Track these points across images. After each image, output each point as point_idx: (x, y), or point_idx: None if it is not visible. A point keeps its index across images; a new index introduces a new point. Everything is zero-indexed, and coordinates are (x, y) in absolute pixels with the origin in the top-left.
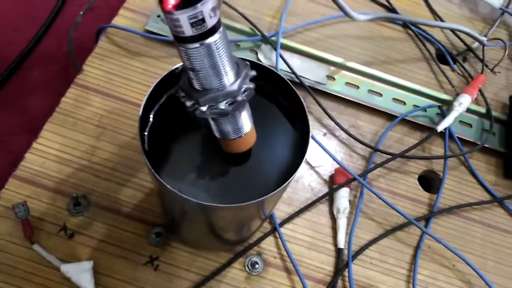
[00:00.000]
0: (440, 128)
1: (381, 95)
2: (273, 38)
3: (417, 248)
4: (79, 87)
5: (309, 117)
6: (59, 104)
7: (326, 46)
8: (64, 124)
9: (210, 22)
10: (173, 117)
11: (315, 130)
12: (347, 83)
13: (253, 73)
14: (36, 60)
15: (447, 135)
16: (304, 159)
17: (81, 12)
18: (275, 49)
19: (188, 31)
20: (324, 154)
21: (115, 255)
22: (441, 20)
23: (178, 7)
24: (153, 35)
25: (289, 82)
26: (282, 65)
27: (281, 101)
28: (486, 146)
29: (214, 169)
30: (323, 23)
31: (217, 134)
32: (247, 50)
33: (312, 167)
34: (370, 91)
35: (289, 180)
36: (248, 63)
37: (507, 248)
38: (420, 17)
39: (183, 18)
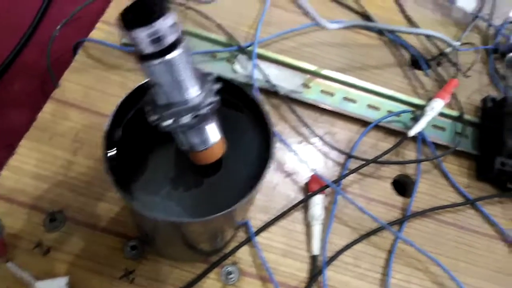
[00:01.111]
0: (411, 133)
1: (355, 101)
2: (249, 48)
3: (390, 252)
4: (56, 101)
5: (285, 125)
6: (35, 120)
7: (302, 55)
8: (40, 139)
9: (170, 39)
10: (145, 130)
11: (291, 138)
12: (322, 91)
13: (217, 86)
14: (16, 73)
15: (419, 140)
16: (267, 170)
17: (58, 27)
18: (251, 59)
19: (147, 48)
20: (299, 161)
21: (91, 270)
22: (415, 26)
23: (136, 24)
24: (130, 48)
25: (250, 94)
26: (258, 75)
27: (248, 111)
28: (459, 149)
29: (186, 181)
30: (299, 32)
31: (184, 147)
32: (223, 60)
33: (288, 175)
34: (345, 98)
35: (249, 194)
36: (212, 76)
37: (479, 249)
38: (395, 22)
39: (142, 35)
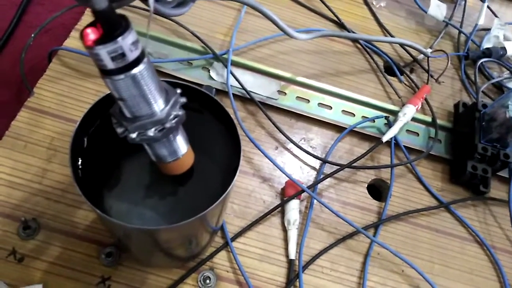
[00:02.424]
0: (385, 138)
1: (331, 107)
2: (225, 56)
3: (366, 255)
4: (30, 110)
5: (261, 132)
6: (9, 128)
7: (278, 62)
8: (14, 147)
9: (131, 56)
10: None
11: (267, 144)
12: (298, 97)
13: (183, 99)
14: None
15: (392, 145)
16: (236, 177)
17: (33, 35)
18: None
19: (109, 64)
20: (276, 167)
21: (66, 277)
22: (389, 34)
23: (97, 42)
24: None
25: (220, 102)
26: (233, 82)
27: (217, 119)
28: (433, 153)
29: (160, 188)
30: (275, 39)
31: (153, 158)
32: (199, 68)
33: (264, 181)
34: (320, 104)
35: (217, 202)
36: (178, 90)
37: (453, 251)
38: (369, 30)
39: (103, 53)
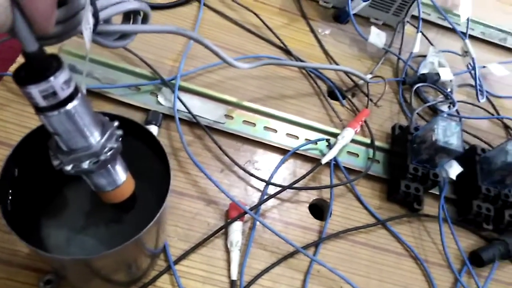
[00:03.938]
0: (324, 160)
1: (276, 131)
2: (173, 81)
3: (307, 273)
4: None
5: (208, 155)
6: None
7: (226, 87)
8: None
9: (63, 94)
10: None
11: (213, 167)
12: (244, 121)
13: (119, 132)
14: None
15: (332, 166)
16: (166, 201)
17: None
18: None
19: (41, 102)
20: (221, 190)
21: None
22: (333, 60)
23: (28, 82)
24: None
25: (149, 130)
26: (181, 107)
27: (151, 147)
28: (371, 173)
29: (99, 216)
30: (223, 65)
31: (92, 188)
32: (147, 93)
33: (209, 203)
34: (266, 127)
35: (147, 227)
36: (115, 123)
37: (389, 266)
38: (314, 57)
39: (34, 92)
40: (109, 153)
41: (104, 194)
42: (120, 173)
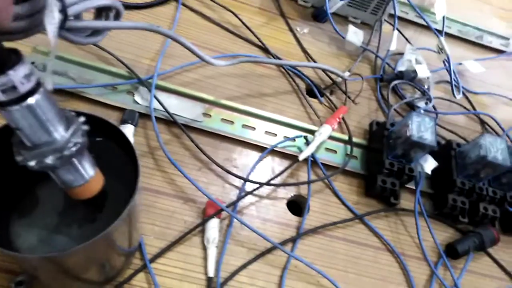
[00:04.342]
0: (301, 156)
1: (254, 129)
2: (150, 80)
3: (284, 268)
4: None
5: (185, 153)
6: None
7: (204, 86)
8: None
9: (23, 88)
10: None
11: (190, 165)
12: (222, 119)
13: (85, 127)
14: None
15: (309, 162)
16: (134, 198)
17: None
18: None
19: (1, 96)
20: (198, 188)
21: None
22: (312, 58)
23: None
24: None
25: (118, 128)
26: (158, 106)
27: (121, 144)
28: (349, 169)
29: (71, 214)
30: (201, 64)
31: (60, 184)
32: (124, 92)
33: (186, 201)
34: (244, 125)
35: (112, 225)
36: (81, 118)
37: (366, 260)
38: (293, 55)
39: None
40: (74, 148)
41: (72, 190)
42: (88, 169)
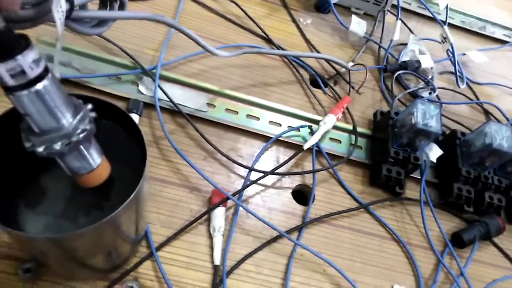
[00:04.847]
0: (306, 146)
1: (258, 119)
2: (154, 71)
3: (290, 257)
4: None
5: (190, 143)
6: None
7: (208, 76)
8: None
9: (32, 73)
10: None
11: (195, 154)
12: (227, 109)
13: (93, 114)
14: None
15: (314, 152)
16: (140, 185)
17: None
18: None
19: (9, 81)
20: (204, 177)
21: None
22: (315, 49)
23: None
24: None
25: (126, 113)
26: (162, 96)
27: (130, 131)
28: (354, 159)
29: (79, 201)
30: (205, 55)
31: (67, 171)
32: (128, 82)
33: (192, 190)
34: (249, 115)
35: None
36: (88, 105)
37: (372, 249)
38: (296, 46)
39: (2, 70)
40: (81, 135)
41: (79, 177)
42: (95, 156)
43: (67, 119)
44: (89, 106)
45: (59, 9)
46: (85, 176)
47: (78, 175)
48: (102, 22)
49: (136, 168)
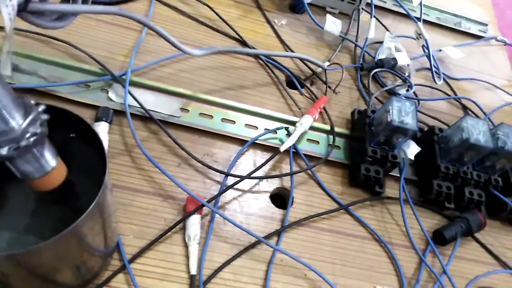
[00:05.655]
0: (283, 148)
1: (234, 122)
2: (124, 77)
3: (269, 263)
4: None
5: (163, 149)
6: None
7: (181, 80)
8: None
9: None
10: None
11: (168, 161)
12: (201, 113)
13: (44, 116)
14: None
15: (291, 153)
16: (99, 194)
17: None
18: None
19: None
20: (177, 184)
21: None
22: (290, 50)
23: None
24: None
25: (85, 121)
26: (133, 102)
27: (90, 138)
28: (332, 159)
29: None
30: (177, 59)
31: (19, 175)
32: (97, 90)
33: (166, 199)
34: (224, 119)
35: (77, 221)
36: (41, 107)
37: (353, 250)
38: (271, 47)
39: None
40: (31, 139)
41: (33, 181)
42: (49, 159)
43: (17, 121)
44: (42, 107)
45: (8, 3)
46: (39, 180)
47: (31, 179)
48: (63, 16)
49: (100, 178)
